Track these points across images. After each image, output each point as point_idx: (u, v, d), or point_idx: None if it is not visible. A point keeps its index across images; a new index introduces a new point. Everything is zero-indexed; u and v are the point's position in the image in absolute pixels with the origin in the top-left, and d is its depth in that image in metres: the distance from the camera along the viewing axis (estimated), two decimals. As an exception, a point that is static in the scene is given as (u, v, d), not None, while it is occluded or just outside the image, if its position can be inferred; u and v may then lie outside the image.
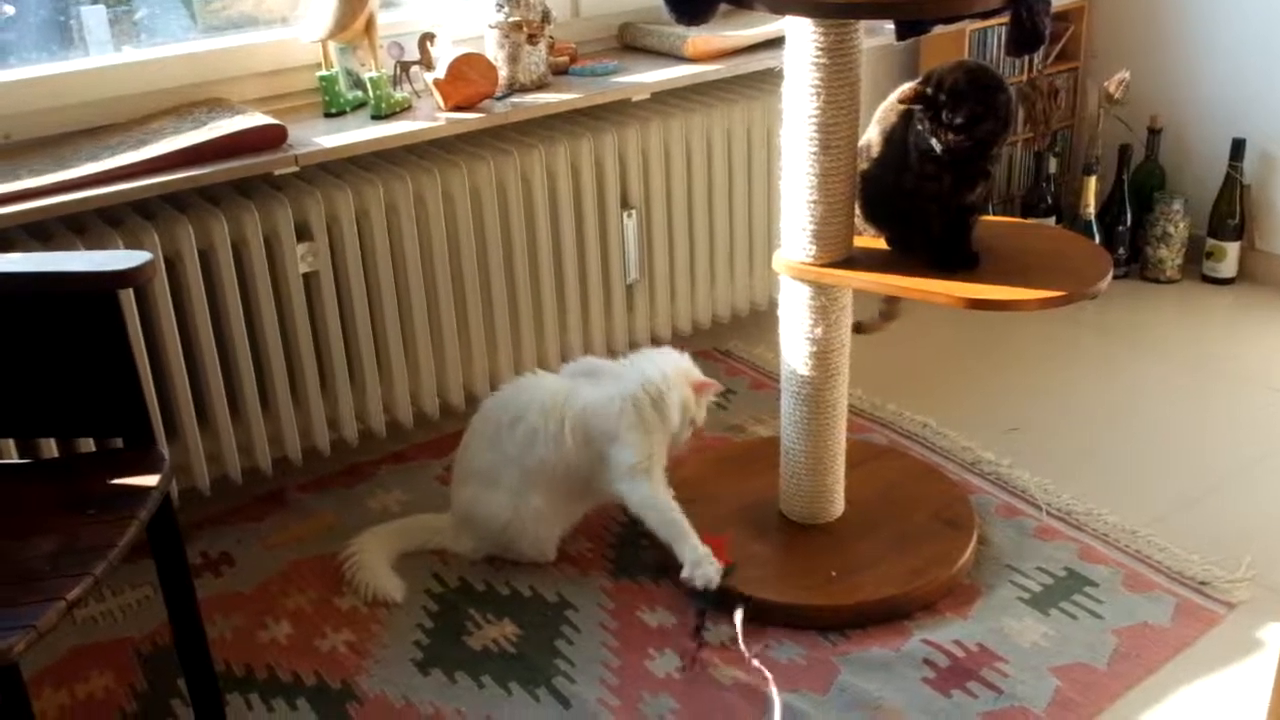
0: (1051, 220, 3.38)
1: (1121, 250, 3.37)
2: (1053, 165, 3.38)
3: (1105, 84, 3.24)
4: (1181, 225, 3.31)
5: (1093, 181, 3.25)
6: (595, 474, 2.17)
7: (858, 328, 2.24)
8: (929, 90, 1.85)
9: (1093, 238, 3.26)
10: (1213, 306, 3.24)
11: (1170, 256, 3.35)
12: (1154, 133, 3.35)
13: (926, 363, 2.96)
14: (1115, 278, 3.37)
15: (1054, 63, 3.44)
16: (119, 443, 1.66)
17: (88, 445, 2.09)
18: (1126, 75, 3.20)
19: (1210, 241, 3.31)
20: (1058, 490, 2.42)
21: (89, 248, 2.07)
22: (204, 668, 1.76)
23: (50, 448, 2.13)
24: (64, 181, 2.02)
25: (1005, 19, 1.83)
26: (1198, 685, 1.91)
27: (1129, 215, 3.35)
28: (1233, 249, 3.29)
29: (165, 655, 2.03)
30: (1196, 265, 3.36)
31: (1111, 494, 2.40)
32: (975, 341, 3.04)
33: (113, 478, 1.53)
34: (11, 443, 2.09)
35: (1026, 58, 3.35)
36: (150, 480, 1.52)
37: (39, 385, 1.62)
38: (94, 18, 2.40)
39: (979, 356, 2.98)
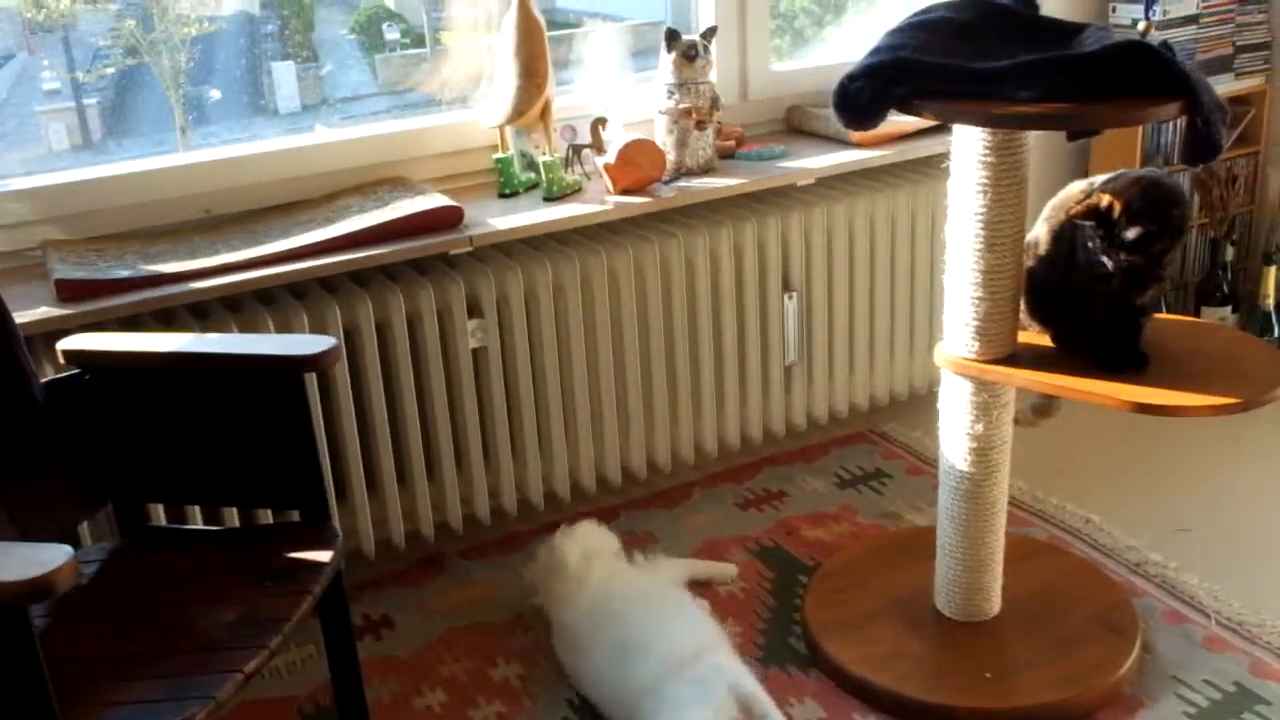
0: (1228, 309, 3.26)
1: (1303, 343, 3.23)
2: (1229, 253, 3.27)
3: (1289, 172, 3.13)
4: (1368, 319, 3.17)
5: (1273, 271, 3.14)
6: None
7: (1017, 421, 2.20)
8: (1102, 206, 1.82)
9: (1272, 329, 3.15)
10: (1404, 406, 3.07)
11: (1357, 351, 3.19)
12: (1341, 221, 3.22)
13: (1093, 456, 2.88)
14: (1297, 371, 3.24)
15: (1232, 147, 3.34)
16: (295, 515, 1.74)
17: (266, 516, 2.19)
18: (1312, 163, 3.09)
19: (1401, 337, 3.16)
20: (1228, 598, 2.32)
21: (275, 319, 2.20)
22: (364, 733, 1.83)
23: (232, 517, 2.25)
24: (258, 258, 2.15)
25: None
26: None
27: (1311, 307, 3.21)
28: None
29: (327, 714, 2.11)
30: (1386, 361, 3.20)
31: (1287, 605, 2.29)
32: (1146, 436, 2.95)
33: (290, 550, 1.61)
34: (197, 510, 2.22)
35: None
36: (324, 556, 1.60)
37: (226, 457, 1.72)
38: (284, 74, 2.56)
39: (1149, 452, 2.89)
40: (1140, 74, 1.70)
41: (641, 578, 2.27)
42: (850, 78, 1.80)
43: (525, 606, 2.32)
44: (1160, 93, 1.72)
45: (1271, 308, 3.16)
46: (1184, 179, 3.27)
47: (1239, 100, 3.32)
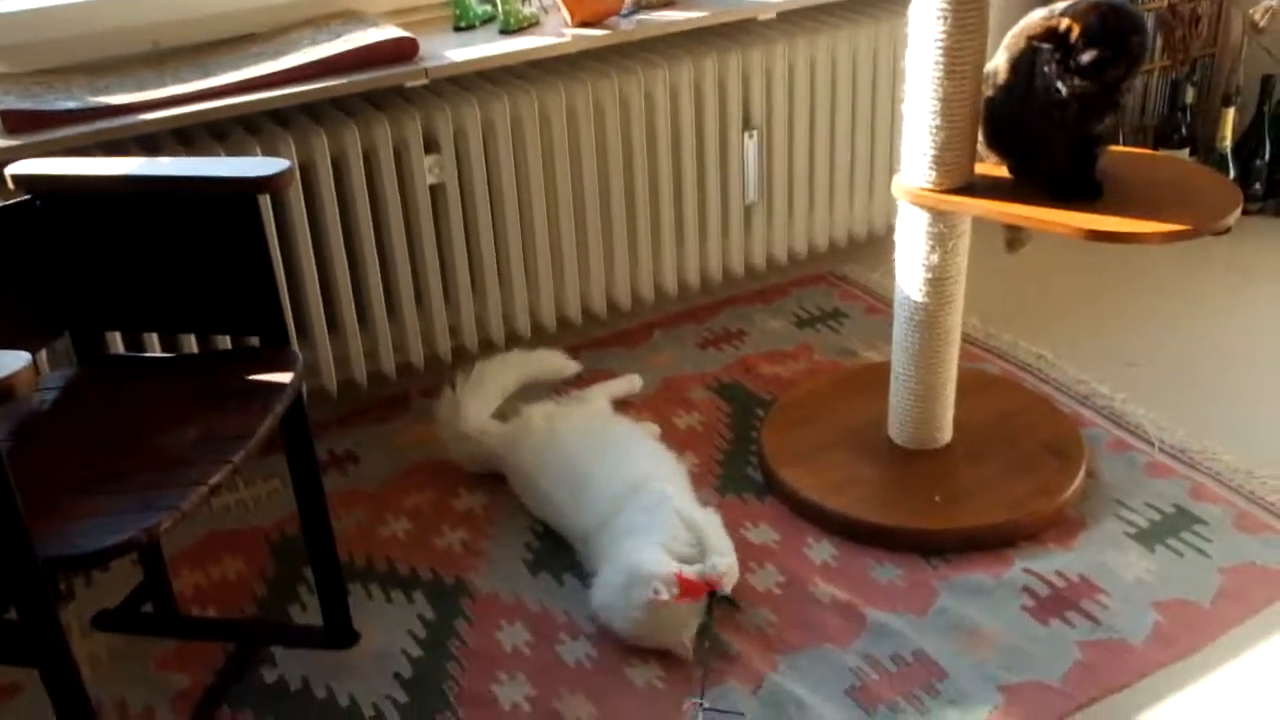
0: (1185, 152, 3.28)
1: (1258, 185, 3.26)
2: (1190, 95, 3.27)
3: (1251, 11, 3.11)
4: (1324, 161, 3.19)
5: (1231, 113, 3.14)
6: None
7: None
8: (1060, 29, 1.82)
9: (1228, 171, 3.17)
10: (1352, 246, 3.13)
11: (1310, 193, 3.23)
12: (1302, 63, 3.22)
13: (1047, 294, 2.92)
14: (1249, 213, 3.27)
15: (1198, -12, 3.32)
16: (255, 341, 1.75)
17: (224, 343, 2.20)
18: (1274, 3, 3.07)
19: (1355, 178, 3.19)
20: (1173, 427, 2.39)
21: (229, 153, 2.17)
22: (329, 558, 1.86)
23: (190, 344, 2.26)
24: (207, 89, 2.11)
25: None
26: (1304, 628, 1.90)
27: (1268, 149, 3.23)
28: (1378, 187, 3.16)
29: (292, 544, 2.16)
30: (1338, 203, 3.24)
31: (1229, 434, 2.36)
32: (1100, 275, 2.99)
33: (250, 373, 1.62)
34: (155, 338, 2.22)
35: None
36: (285, 377, 1.61)
37: (183, 283, 1.72)
38: None
39: (1103, 290, 2.94)
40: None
41: (576, 413, 2.32)
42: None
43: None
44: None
45: (1229, 150, 3.17)
46: (1149, 17, 3.25)
47: (1206, -61, 3.29)
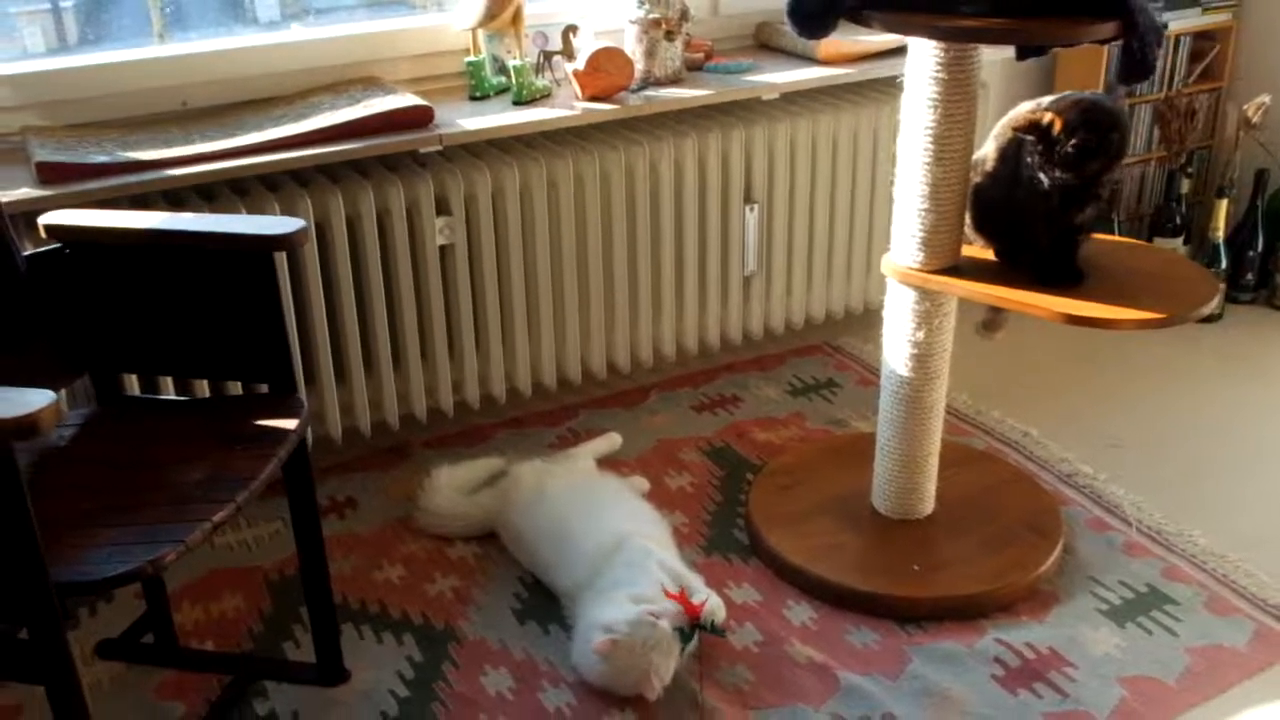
0: (1180, 241, 3.37)
1: (1250, 276, 3.34)
2: (1185, 185, 3.36)
3: (1245, 107, 3.21)
4: (1314, 254, 3.28)
5: (1225, 204, 3.24)
6: None
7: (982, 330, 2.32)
8: (1043, 123, 1.91)
9: (1220, 261, 3.25)
10: (1339, 338, 3.20)
11: (1299, 285, 3.31)
12: (1294, 159, 3.31)
13: (1036, 373, 3.00)
14: (1241, 303, 3.36)
15: (1196, 81, 3.42)
16: (264, 388, 1.84)
17: (236, 389, 2.29)
18: (1267, 100, 3.17)
19: (1343, 273, 3.27)
20: (1151, 508, 2.45)
21: (249, 209, 2.27)
22: (324, 598, 1.93)
23: (202, 389, 2.35)
24: (232, 149, 2.22)
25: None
26: (1265, 710, 1.95)
27: (1260, 241, 3.32)
28: (1365, 282, 3.25)
29: (290, 584, 2.23)
30: (1327, 296, 3.32)
31: (1206, 516, 2.42)
32: (1090, 358, 3.07)
33: (258, 418, 1.71)
34: (170, 381, 2.32)
35: (1166, 75, 3.35)
36: (290, 424, 1.69)
37: (199, 331, 1.81)
38: None
39: (1092, 372, 3.01)
40: (1081, -4, 1.79)
41: (562, 470, 2.40)
42: (804, -13, 1.87)
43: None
44: (1100, 14, 1.80)
45: (1221, 240, 3.26)
46: (1146, 111, 3.36)
47: (1205, 35, 3.40)
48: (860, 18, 1.89)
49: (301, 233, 1.70)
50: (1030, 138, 1.96)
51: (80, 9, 2.51)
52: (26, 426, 1.19)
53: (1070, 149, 1.91)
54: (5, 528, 1.29)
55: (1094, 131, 1.92)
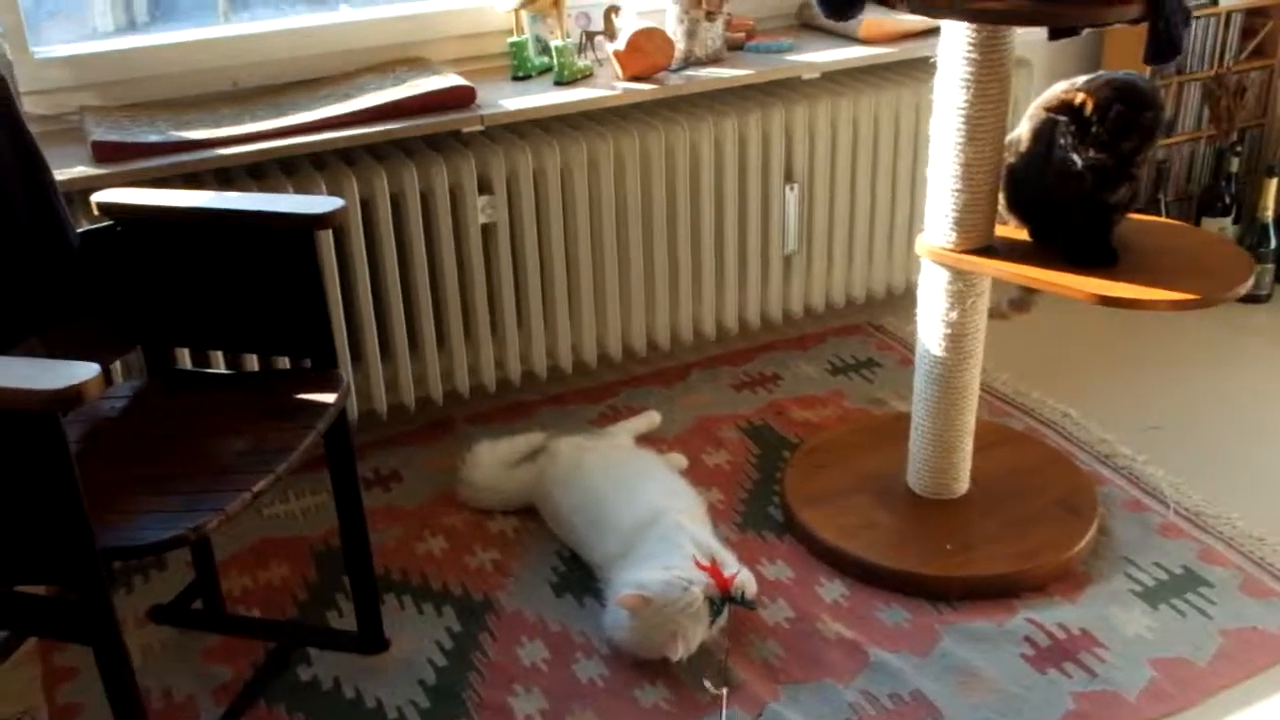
0: (1229, 220, 3.33)
1: (1299, 256, 3.30)
2: (1234, 164, 3.32)
3: (1295, 86, 3.17)
4: (1366, 235, 3.23)
5: (1274, 183, 3.19)
6: None
7: (992, 314, 2.32)
8: (1075, 103, 1.91)
9: (1269, 240, 3.21)
10: (1390, 320, 3.16)
11: (1350, 266, 3.27)
12: (1348, 138, 3.27)
13: (1078, 354, 2.99)
14: (1289, 284, 3.32)
15: (1247, 58, 3.38)
16: (308, 363, 1.90)
17: (283, 364, 2.35)
18: (1318, 78, 3.13)
19: (1394, 253, 3.22)
20: (1189, 490, 2.45)
21: (296, 188, 2.33)
22: (366, 569, 2.00)
23: (252, 363, 2.42)
24: (280, 128, 2.28)
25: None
26: (1297, 692, 1.96)
27: (1311, 221, 3.28)
28: None
29: (335, 555, 2.29)
30: (1377, 277, 3.27)
31: (1244, 499, 2.41)
32: (1134, 339, 3.05)
33: (299, 393, 1.77)
34: (220, 355, 2.39)
35: (1216, 52, 3.31)
36: (329, 397, 1.75)
37: (245, 307, 1.87)
38: None
39: (1134, 353, 3.00)
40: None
41: (601, 446, 2.44)
42: (833, -30, 1.88)
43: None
44: (1128, -6, 1.80)
45: (1270, 220, 3.22)
46: (1195, 88, 3.33)
47: (1257, 12, 3.35)
48: (888, 0, 1.90)
49: (341, 211, 1.76)
50: (1063, 118, 1.96)
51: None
52: (71, 398, 1.25)
53: (1103, 128, 1.91)
54: (54, 494, 1.35)
55: (1128, 109, 1.92)
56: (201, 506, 1.49)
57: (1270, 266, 3.24)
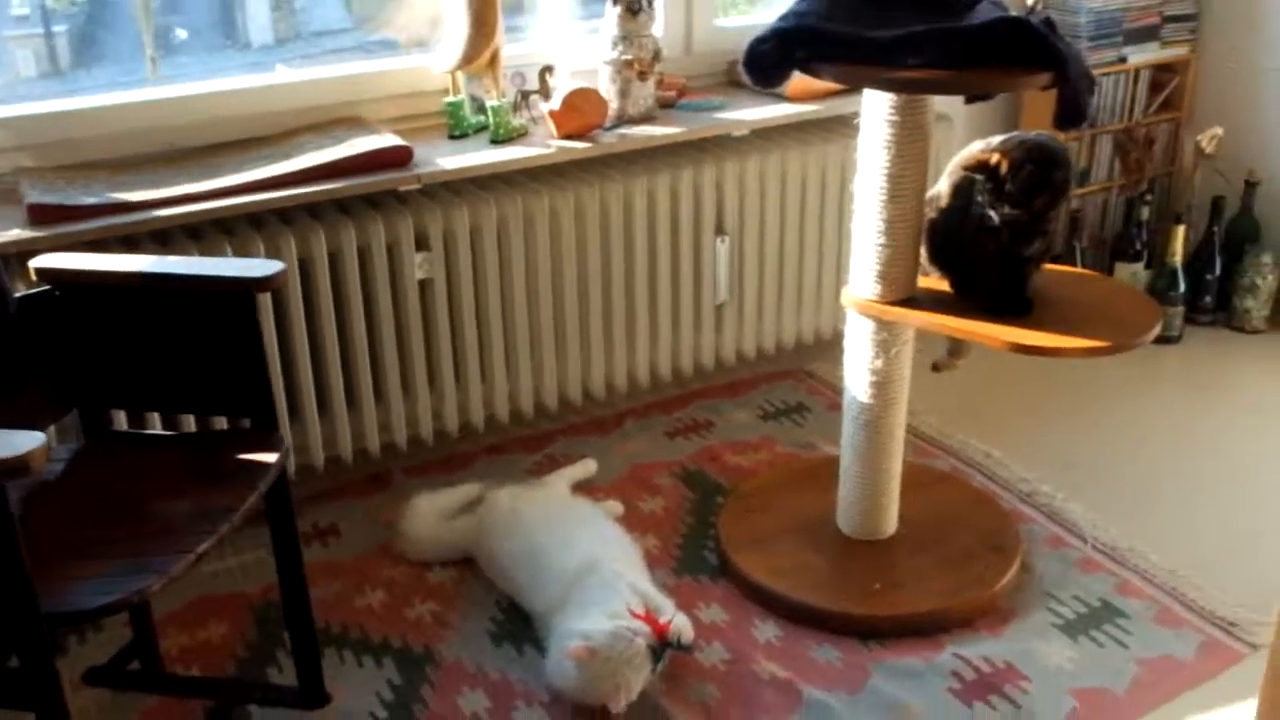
0: (1140, 266, 3.46)
1: (1208, 298, 3.45)
2: (1144, 212, 3.46)
3: (1198, 139, 3.32)
4: (1270, 277, 3.38)
5: (1181, 230, 3.33)
6: None
7: (935, 367, 2.41)
8: (991, 163, 2.01)
9: (1179, 285, 3.35)
10: (1295, 358, 3.30)
11: (1257, 307, 3.41)
12: (1250, 186, 3.42)
13: (1001, 398, 3.09)
14: (1201, 324, 3.46)
15: (1155, 112, 3.53)
16: (247, 423, 1.93)
17: (221, 423, 2.37)
18: (1219, 131, 3.28)
19: (1298, 294, 3.37)
20: (1107, 526, 2.54)
21: (235, 248, 2.36)
22: (306, 624, 2.02)
23: (188, 424, 2.43)
24: (218, 189, 2.31)
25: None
26: (1209, 717, 2.04)
27: (1219, 265, 3.42)
28: (1321, 304, 3.35)
29: (274, 610, 2.31)
30: (1283, 317, 3.43)
31: (1159, 534, 2.51)
32: (1053, 381, 3.16)
33: (240, 453, 1.80)
34: (157, 416, 2.40)
35: (1127, 106, 3.46)
36: (270, 457, 1.78)
37: (184, 368, 1.90)
38: (258, 6, 2.67)
39: (1055, 396, 3.11)
40: (1019, 47, 1.89)
41: (538, 495, 2.50)
42: (759, 40, 1.97)
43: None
44: (1036, 64, 1.90)
45: (1179, 265, 3.36)
46: (1106, 141, 3.47)
47: (1164, 68, 3.51)
48: (811, 69, 1.99)
49: (281, 274, 1.80)
50: (980, 176, 2.06)
51: (73, 34, 2.57)
52: (18, 467, 1.27)
53: (1016, 187, 2.01)
54: (-1, 561, 1.37)
55: (1039, 169, 2.02)
56: (144, 569, 1.51)
57: (1180, 309, 3.37)
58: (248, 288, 1.79)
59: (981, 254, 2.14)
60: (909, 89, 1.98)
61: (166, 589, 1.53)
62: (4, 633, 1.42)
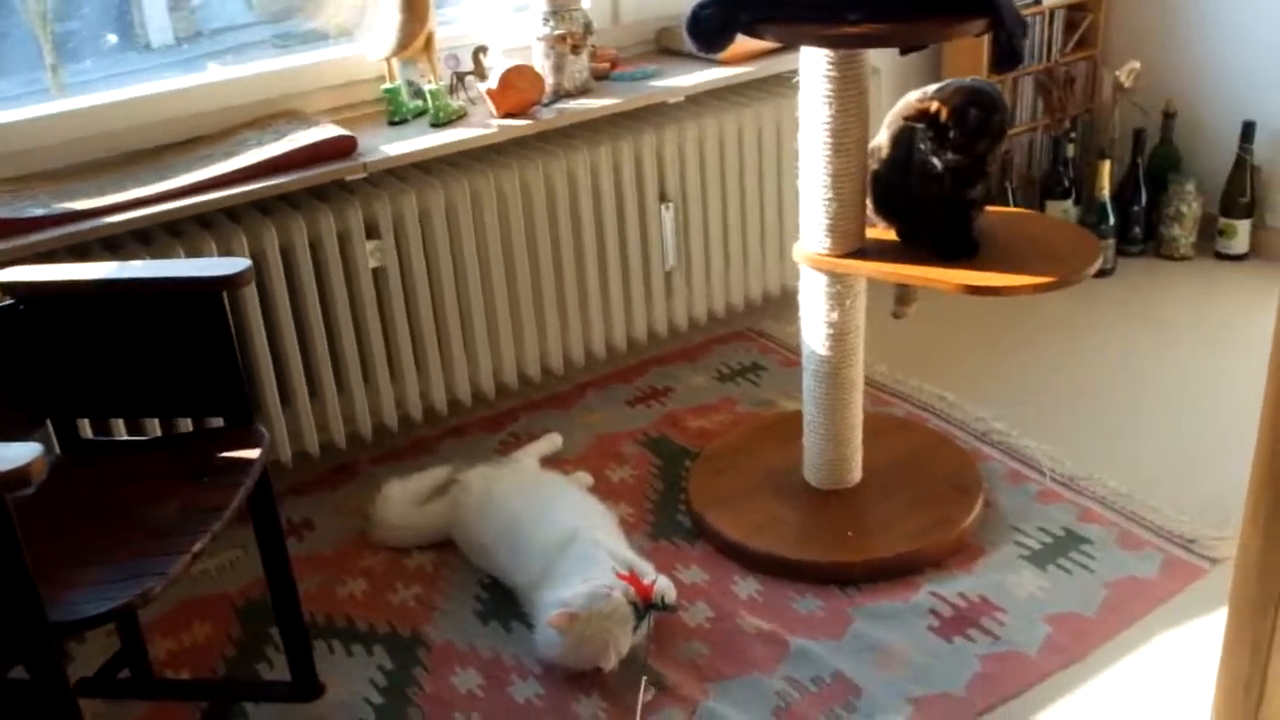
0: (1070, 202, 3.56)
1: (1137, 229, 3.55)
2: (1070, 150, 3.55)
3: (1116, 73, 3.41)
4: (1195, 205, 3.49)
5: (1107, 165, 3.43)
6: None
7: (895, 314, 2.47)
8: (931, 111, 2.06)
9: (1108, 217, 3.44)
10: (1225, 282, 3.41)
11: (1184, 235, 3.52)
12: (1169, 117, 3.52)
13: (948, 341, 3.17)
14: (1131, 255, 3.57)
15: (1072, 51, 3.61)
16: (218, 422, 1.93)
17: (186, 425, 2.36)
18: (1136, 65, 3.37)
19: (1222, 220, 3.48)
20: (1062, 458, 2.63)
21: (186, 250, 2.35)
22: (295, 618, 2.03)
23: (153, 426, 2.42)
24: (165, 191, 2.30)
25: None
26: (1177, 632, 2.13)
27: (1144, 196, 3.53)
28: (1244, 227, 3.46)
29: (257, 608, 2.31)
30: (1210, 243, 3.53)
31: (1113, 461, 2.60)
32: (996, 321, 3.25)
33: (221, 451, 1.80)
34: (121, 423, 2.38)
35: (1044, 48, 3.54)
36: (253, 453, 1.79)
37: (156, 372, 1.89)
38: (153, 6, 2.62)
39: (998, 335, 3.19)
40: (953, -4, 1.94)
41: (509, 473, 2.52)
42: (701, 6, 2.00)
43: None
44: (970, 11, 1.96)
45: (1108, 199, 3.45)
46: (1028, 82, 3.55)
47: (1078, 7, 3.59)
48: (754, 31, 2.02)
49: (247, 272, 1.80)
50: (921, 125, 2.11)
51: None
52: (19, 478, 1.28)
53: (960, 132, 2.06)
54: (3, 574, 1.37)
55: (978, 114, 2.07)
56: (144, 572, 1.52)
57: (1112, 241, 3.47)
58: (214, 288, 1.79)
59: (927, 200, 2.19)
60: (852, 44, 2.02)
61: (166, 590, 1.54)
62: (13, 645, 1.42)
